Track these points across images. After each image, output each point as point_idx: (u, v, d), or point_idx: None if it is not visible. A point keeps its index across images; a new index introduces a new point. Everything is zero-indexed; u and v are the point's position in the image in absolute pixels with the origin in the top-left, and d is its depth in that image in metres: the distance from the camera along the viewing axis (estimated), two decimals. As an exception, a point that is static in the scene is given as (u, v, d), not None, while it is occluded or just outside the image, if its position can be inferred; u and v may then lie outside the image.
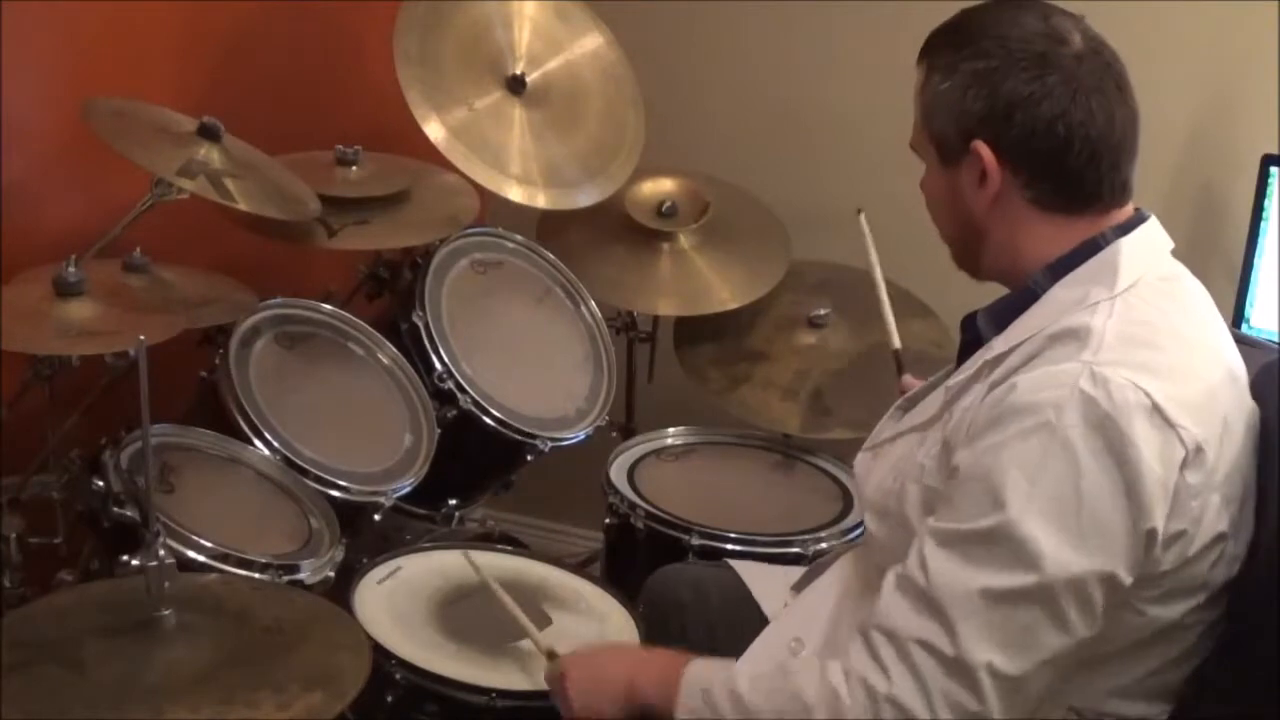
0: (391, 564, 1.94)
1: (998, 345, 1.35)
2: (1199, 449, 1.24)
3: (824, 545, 2.09)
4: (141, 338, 1.42)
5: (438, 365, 2.19)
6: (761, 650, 1.55)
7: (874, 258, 2.06)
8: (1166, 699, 1.34)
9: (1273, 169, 2.24)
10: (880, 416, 1.57)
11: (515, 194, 2.33)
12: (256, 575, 1.78)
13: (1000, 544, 1.22)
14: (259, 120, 2.21)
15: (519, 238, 2.43)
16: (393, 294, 2.37)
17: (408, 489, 2.10)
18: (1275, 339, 2.23)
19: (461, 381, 2.19)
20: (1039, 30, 1.32)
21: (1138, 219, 1.37)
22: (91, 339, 1.78)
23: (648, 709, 1.45)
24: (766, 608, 1.70)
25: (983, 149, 1.33)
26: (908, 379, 1.88)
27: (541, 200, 2.37)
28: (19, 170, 2.07)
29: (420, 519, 2.27)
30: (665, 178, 2.56)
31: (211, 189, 1.92)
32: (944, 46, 1.36)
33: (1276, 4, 2.31)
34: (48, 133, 2.13)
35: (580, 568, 2.09)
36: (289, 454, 1.99)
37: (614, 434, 2.52)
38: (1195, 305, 1.38)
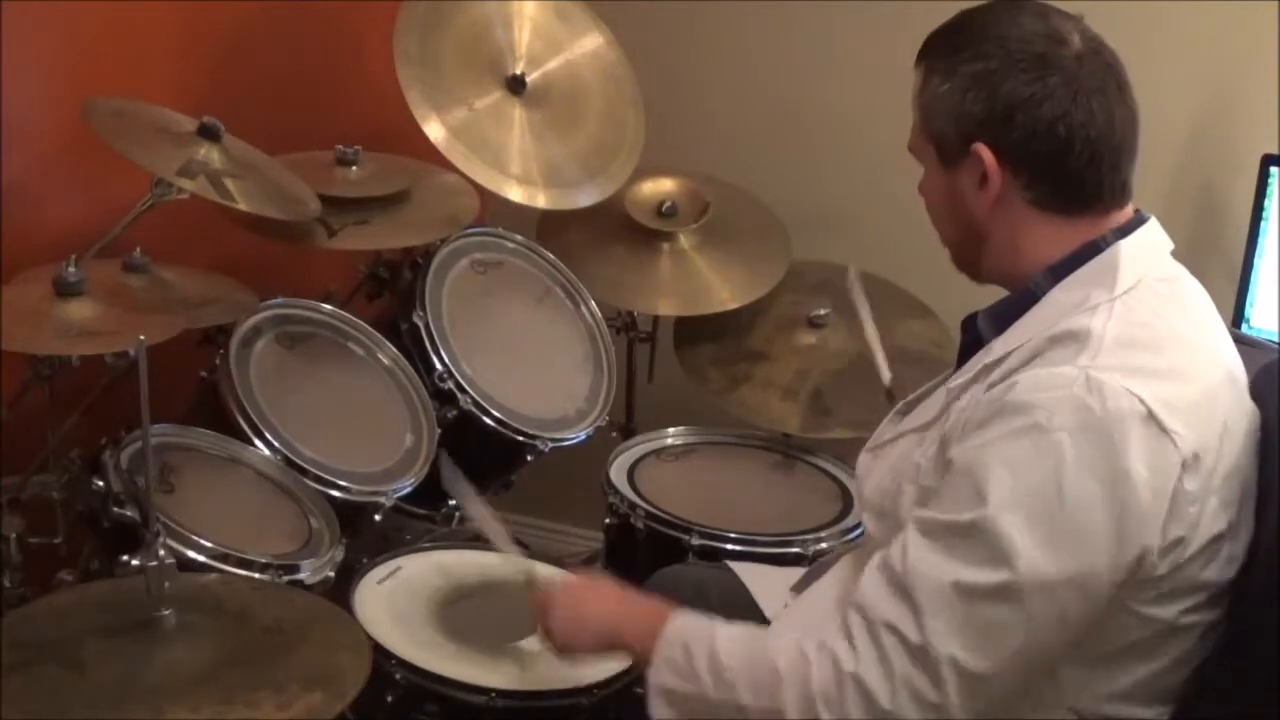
0: (391, 564, 1.94)
1: (997, 348, 1.35)
2: (1195, 455, 1.23)
3: (824, 545, 2.09)
4: (141, 338, 1.42)
5: (438, 365, 2.20)
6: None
7: (865, 314, 2.04)
8: (1167, 701, 1.34)
9: (1273, 169, 2.24)
10: (880, 416, 1.58)
11: (515, 194, 2.33)
12: (256, 575, 1.78)
13: (977, 539, 1.23)
14: (259, 120, 2.21)
15: (519, 238, 2.43)
16: (393, 294, 2.37)
17: (408, 489, 2.10)
18: (1275, 339, 2.23)
19: (461, 382, 2.20)
20: (1039, 31, 1.32)
21: (1138, 220, 1.37)
22: (91, 339, 1.78)
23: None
24: (766, 608, 1.70)
25: (983, 151, 1.32)
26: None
27: (541, 200, 2.37)
28: (19, 170, 2.08)
29: (420, 519, 2.27)
30: (665, 178, 2.56)
31: (211, 189, 1.92)
32: (943, 48, 1.36)
33: (1276, 4, 2.31)
34: (48, 133, 2.13)
35: (580, 568, 2.09)
36: (289, 454, 1.99)
37: (614, 434, 2.52)
38: (1195, 306, 1.38)
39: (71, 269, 1.80)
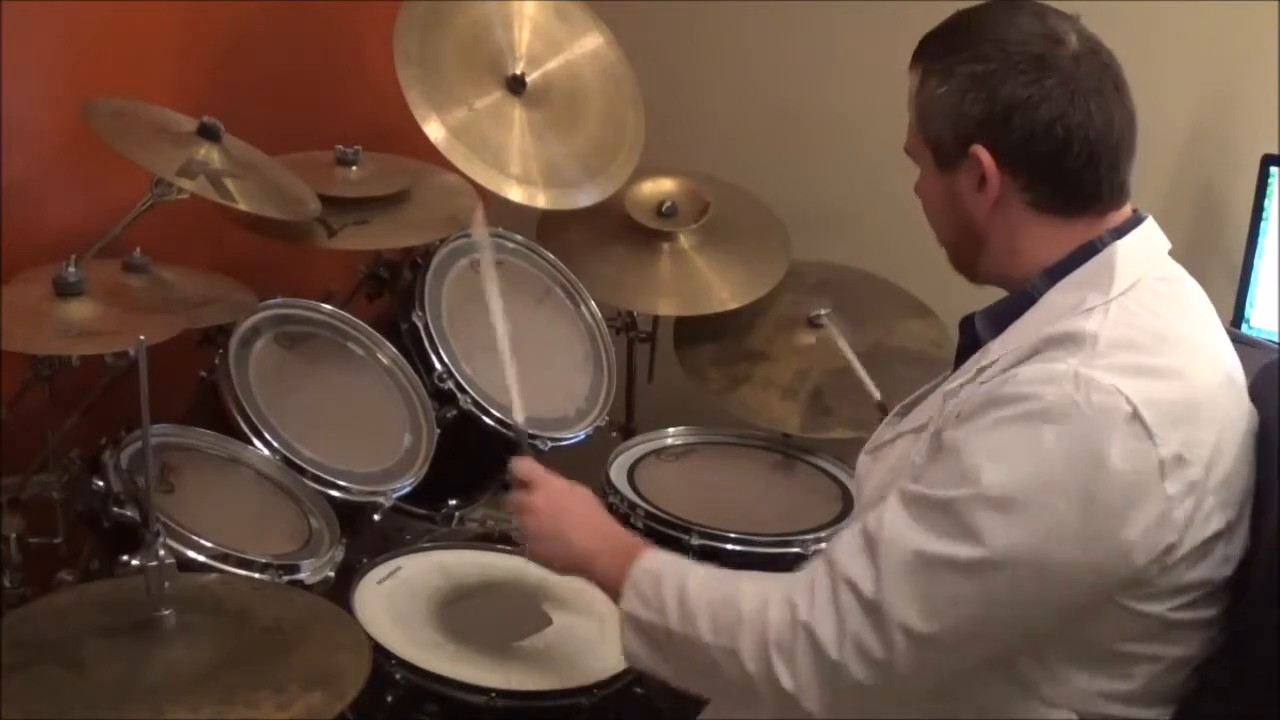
0: (391, 564, 1.94)
1: (994, 349, 1.35)
2: (1179, 457, 1.23)
3: (824, 545, 2.09)
4: (141, 338, 1.43)
5: (438, 365, 2.20)
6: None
7: (845, 348, 2.19)
8: (1167, 703, 1.34)
9: (1273, 169, 2.24)
10: (879, 417, 1.58)
11: (515, 194, 2.33)
12: (256, 575, 1.78)
13: (951, 516, 1.24)
14: (259, 120, 2.21)
15: (519, 238, 2.43)
16: (393, 294, 2.37)
17: (408, 489, 2.10)
18: (1275, 339, 2.23)
19: (461, 381, 2.20)
20: (1036, 31, 1.31)
21: (1135, 220, 1.37)
22: (91, 339, 1.78)
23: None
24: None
25: (982, 153, 1.32)
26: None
27: (541, 200, 2.37)
28: (19, 170, 2.08)
29: (420, 519, 2.27)
30: (665, 178, 2.56)
31: (211, 189, 1.92)
32: (939, 49, 1.36)
33: (1276, 4, 2.31)
34: (48, 133, 2.13)
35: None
36: (289, 454, 1.99)
37: (614, 434, 2.52)
38: (1194, 307, 1.37)
39: (71, 269, 1.80)
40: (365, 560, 1.94)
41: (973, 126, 1.32)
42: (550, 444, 2.25)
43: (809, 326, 2.46)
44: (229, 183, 1.96)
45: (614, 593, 1.46)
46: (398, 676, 1.72)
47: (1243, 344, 1.41)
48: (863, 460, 1.54)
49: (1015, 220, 1.35)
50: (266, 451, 1.98)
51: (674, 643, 1.38)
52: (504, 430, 2.20)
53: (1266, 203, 2.25)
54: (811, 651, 1.28)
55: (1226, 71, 2.41)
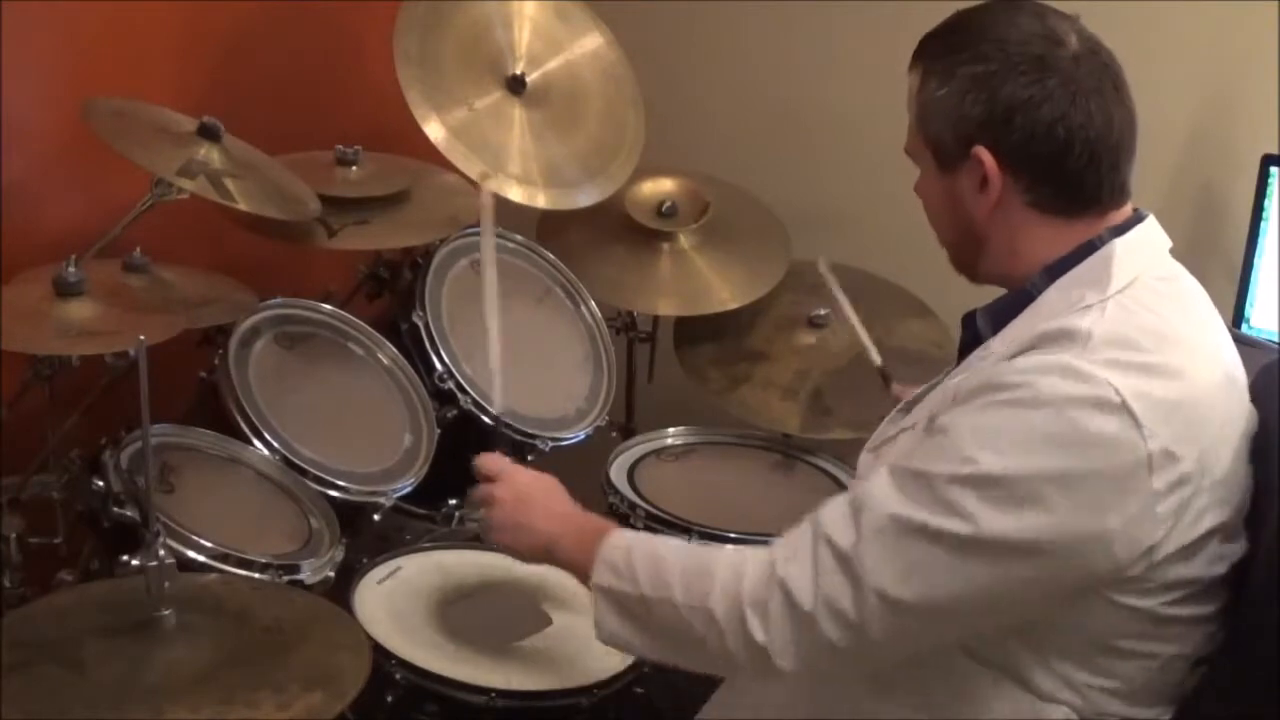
0: (391, 564, 1.94)
1: (994, 346, 1.35)
2: (1167, 453, 1.23)
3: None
4: (141, 338, 1.42)
5: (438, 365, 2.20)
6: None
7: (843, 301, 2.12)
8: (1167, 702, 1.34)
9: (1273, 169, 2.24)
10: (880, 416, 1.58)
11: (515, 194, 2.33)
12: (256, 575, 1.78)
13: (936, 490, 1.25)
14: (259, 120, 2.21)
15: (519, 238, 2.43)
16: (393, 294, 2.37)
17: (408, 489, 2.10)
18: (1275, 339, 2.23)
19: (462, 382, 2.20)
20: (1036, 32, 1.31)
21: (1135, 219, 1.37)
22: (91, 339, 1.78)
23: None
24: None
25: (983, 154, 1.32)
26: (897, 388, 1.89)
27: (541, 200, 2.37)
28: (19, 170, 2.08)
29: (420, 519, 2.27)
30: (665, 178, 2.55)
31: (211, 189, 1.92)
32: (940, 50, 1.36)
33: (1276, 4, 2.31)
34: (48, 133, 2.13)
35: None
36: (289, 454, 1.99)
37: (614, 434, 2.51)
38: (1194, 306, 1.37)
39: (71, 269, 1.80)
40: (365, 560, 1.94)
41: (973, 127, 1.32)
42: (550, 444, 2.25)
43: (809, 326, 2.46)
44: (229, 183, 1.96)
45: (583, 574, 1.46)
46: (398, 676, 1.72)
47: (1243, 344, 1.41)
48: (864, 458, 1.54)
49: (1016, 221, 1.35)
50: (266, 452, 1.98)
51: (647, 608, 1.38)
52: (505, 430, 2.19)
53: (1266, 203, 2.25)
54: (785, 602, 1.29)
55: (1226, 71, 2.41)
